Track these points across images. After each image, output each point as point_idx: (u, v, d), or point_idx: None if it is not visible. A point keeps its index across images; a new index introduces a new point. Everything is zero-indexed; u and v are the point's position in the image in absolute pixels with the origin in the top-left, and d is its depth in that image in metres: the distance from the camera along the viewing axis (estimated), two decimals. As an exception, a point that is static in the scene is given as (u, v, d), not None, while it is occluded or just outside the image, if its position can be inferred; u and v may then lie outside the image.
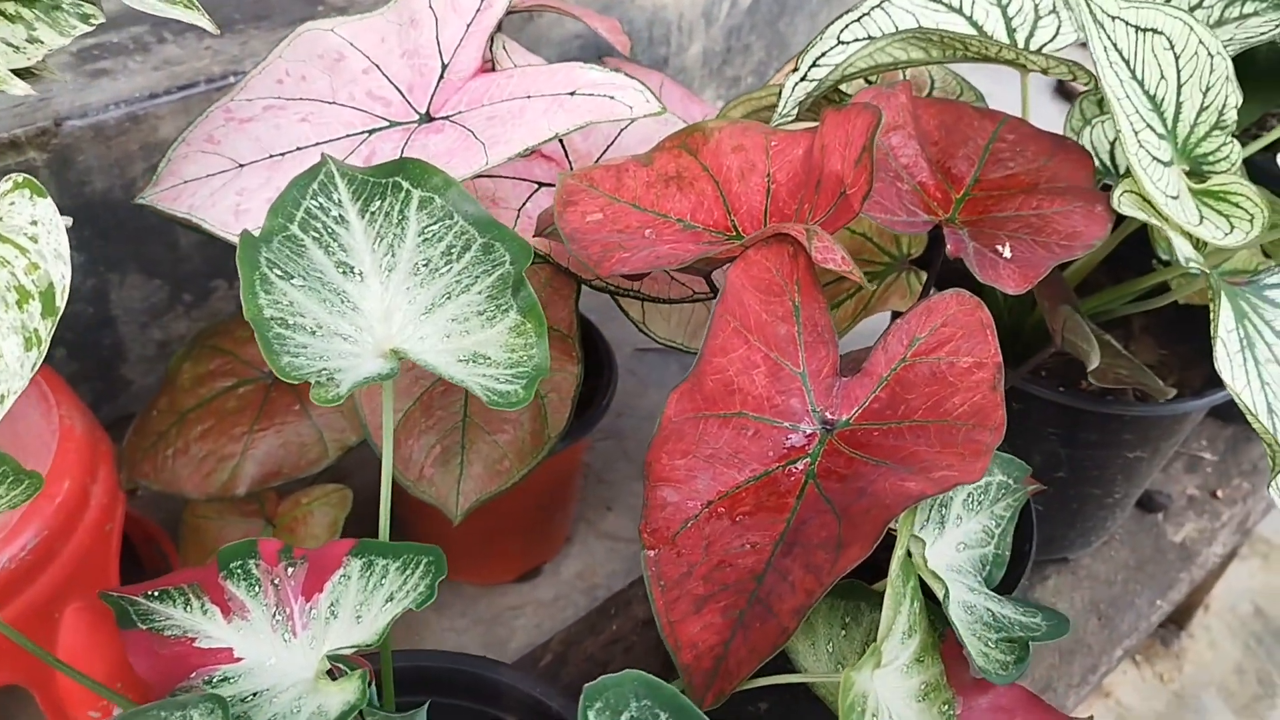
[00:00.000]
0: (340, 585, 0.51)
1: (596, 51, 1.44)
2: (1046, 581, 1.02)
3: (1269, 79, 1.00)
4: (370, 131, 0.84)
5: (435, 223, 0.65)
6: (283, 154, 0.83)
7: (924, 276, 0.83)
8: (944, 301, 0.61)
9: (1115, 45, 0.69)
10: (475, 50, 0.87)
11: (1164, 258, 0.95)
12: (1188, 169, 0.75)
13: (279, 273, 0.58)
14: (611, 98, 0.82)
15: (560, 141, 0.93)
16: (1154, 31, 0.70)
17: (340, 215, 0.65)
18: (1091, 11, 0.68)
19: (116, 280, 1.11)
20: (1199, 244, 0.73)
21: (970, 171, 0.74)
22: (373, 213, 0.65)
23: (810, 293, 0.62)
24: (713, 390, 0.59)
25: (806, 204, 0.70)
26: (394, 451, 0.84)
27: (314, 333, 0.56)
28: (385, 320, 0.60)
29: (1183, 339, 0.97)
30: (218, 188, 0.81)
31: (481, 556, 1.20)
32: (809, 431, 0.61)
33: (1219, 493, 1.11)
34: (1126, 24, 0.69)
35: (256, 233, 0.60)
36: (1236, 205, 0.73)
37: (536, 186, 0.90)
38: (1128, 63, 0.69)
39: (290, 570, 0.53)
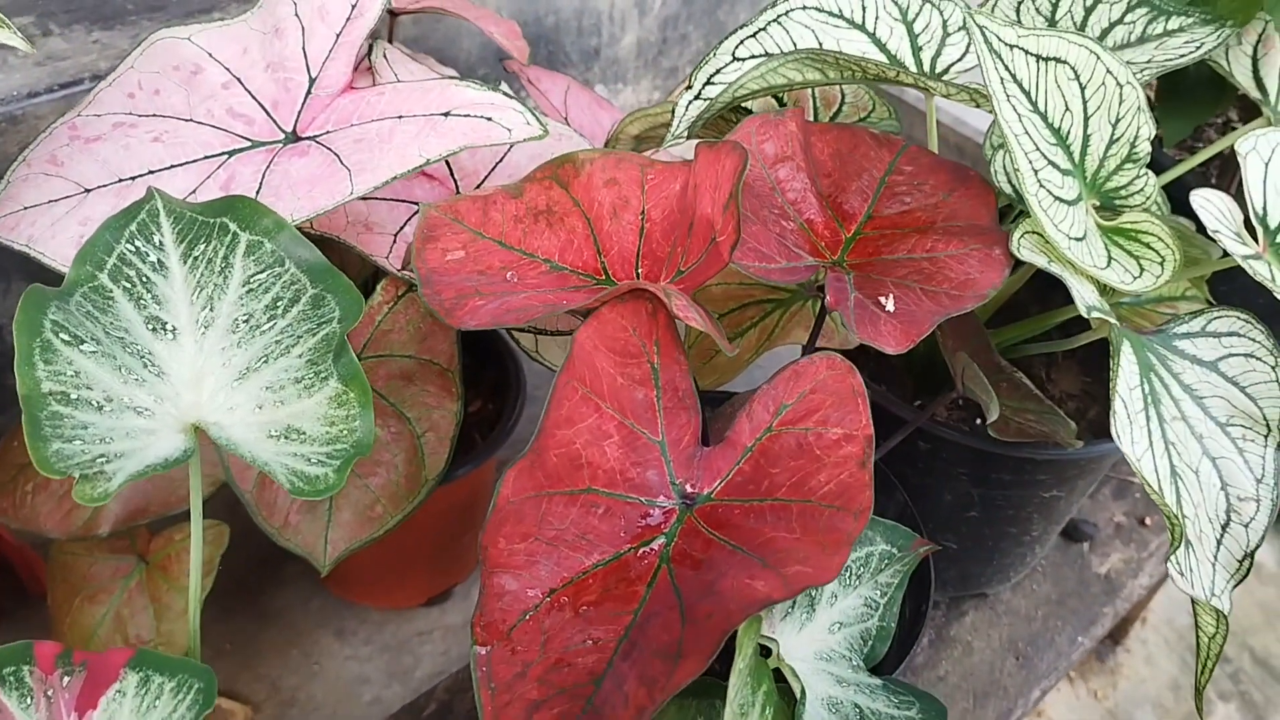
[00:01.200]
0: (115, 703, 0.45)
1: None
2: (964, 618, 0.97)
3: (1201, 91, 0.95)
4: (230, 153, 0.78)
5: (263, 270, 0.59)
6: (133, 178, 0.76)
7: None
8: (813, 366, 0.56)
9: (1014, 76, 0.63)
10: (345, 63, 0.80)
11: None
12: (1098, 203, 0.70)
13: (66, 337, 0.52)
14: (489, 119, 0.76)
15: (445, 159, 0.87)
16: (1057, 61, 0.64)
17: (159, 261, 0.59)
18: (987, 40, 0.62)
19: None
20: (1105, 289, 0.68)
21: (863, 207, 0.69)
22: (196, 258, 0.59)
23: (671, 353, 0.57)
24: (557, 466, 0.54)
25: (680, 247, 0.64)
26: (257, 496, 0.78)
27: (101, 408, 0.50)
28: (194, 386, 0.54)
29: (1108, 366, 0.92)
30: (60, 216, 0.74)
31: (387, 580, 1.14)
32: (667, 507, 0.55)
33: (1147, 520, 1.07)
34: (1027, 53, 0.63)
35: (48, 288, 0.53)
36: (1148, 246, 0.68)
37: (416, 208, 0.84)
38: (1028, 94, 0.64)
39: (66, 680, 0.47)
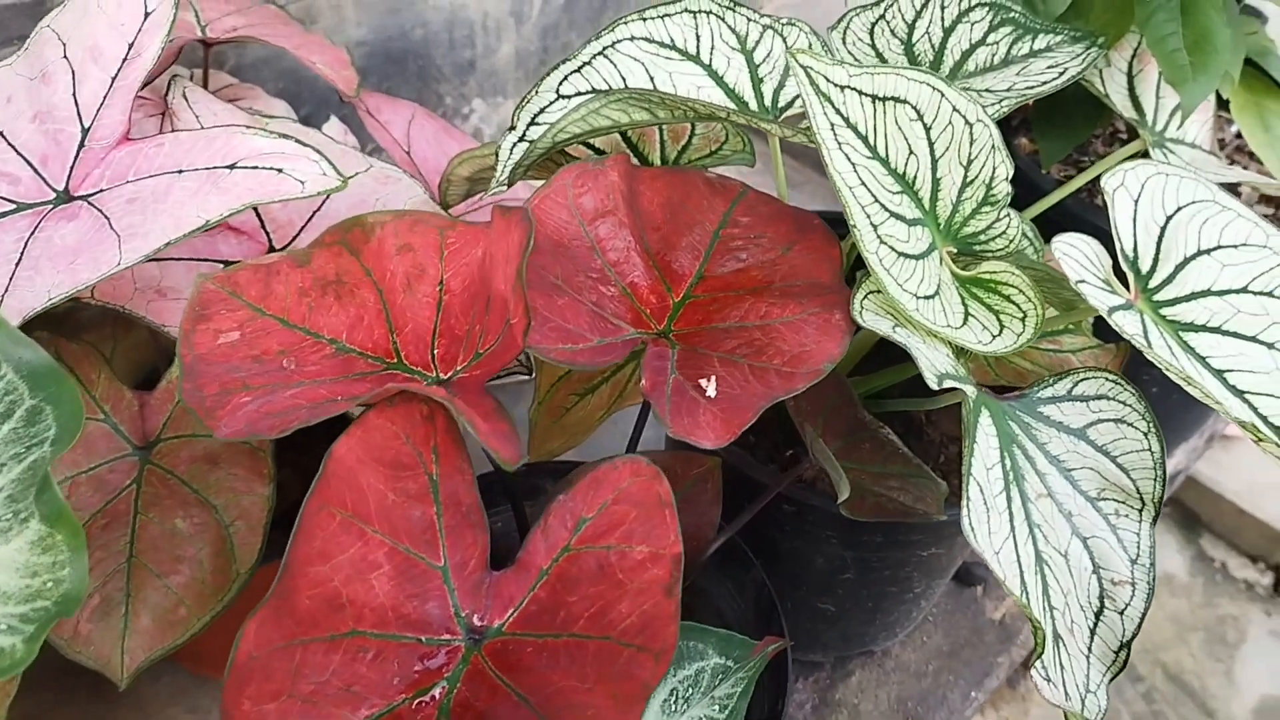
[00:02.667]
0: None
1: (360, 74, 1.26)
2: (849, 679, 0.91)
3: (1079, 107, 0.89)
4: (-10, 218, 0.68)
5: (-27, 379, 0.50)
6: None
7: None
8: (615, 472, 0.48)
9: (847, 120, 0.56)
10: (121, 110, 0.70)
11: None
12: (955, 249, 0.63)
13: None
14: (279, 170, 0.67)
15: (255, 210, 0.77)
16: (897, 100, 0.57)
17: None
18: (813, 81, 0.55)
19: None
20: (960, 352, 0.61)
21: (695, 266, 0.62)
22: (-109, 366, 0.50)
23: (453, 460, 0.49)
24: (311, 609, 0.46)
25: (479, 325, 0.56)
26: (40, 605, 0.69)
27: None
28: None
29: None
30: None
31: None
32: (451, 645, 0.47)
33: (1044, 557, 1.01)
34: (861, 93, 0.56)
35: None
36: (1008, 299, 0.61)
37: (223, 268, 0.75)
38: (865, 138, 0.57)
39: None
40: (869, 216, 0.56)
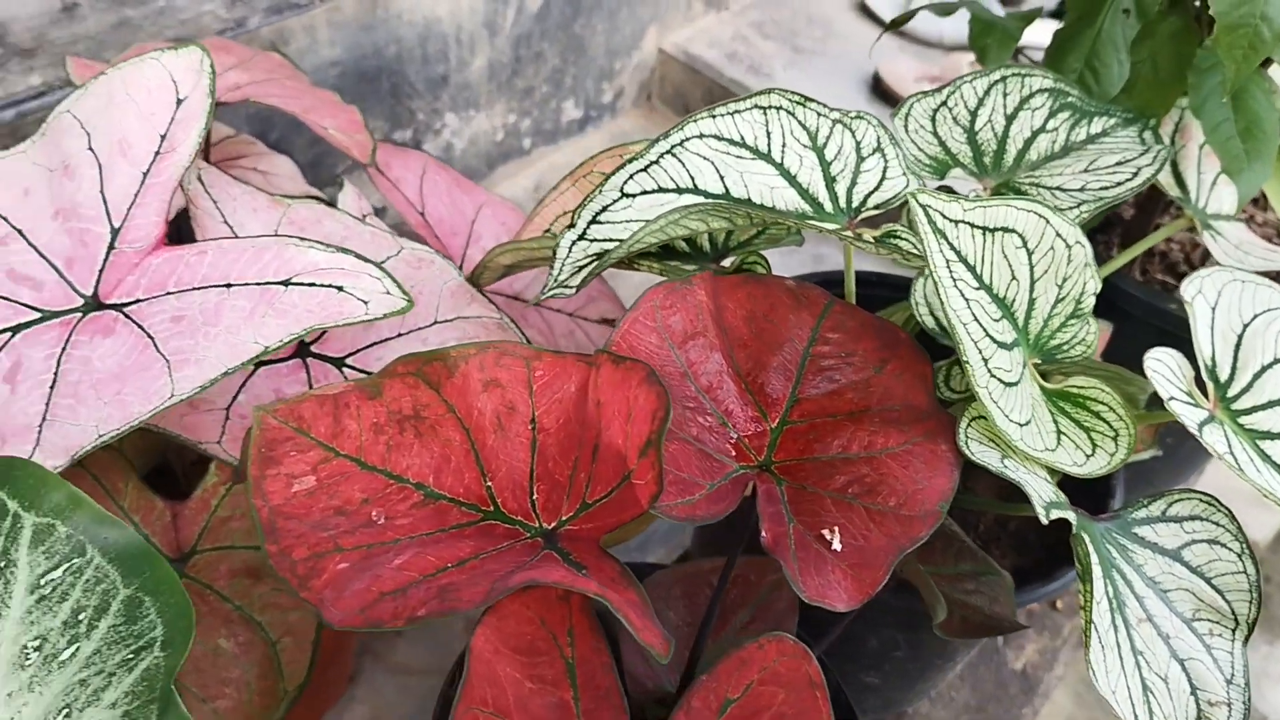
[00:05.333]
0: None
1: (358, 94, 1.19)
2: (885, 741, 0.91)
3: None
4: (13, 329, 0.63)
5: (57, 566, 0.46)
6: (-118, 372, 0.61)
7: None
8: (761, 651, 0.47)
9: (960, 254, 0.54)
10: (156, 211, 0.65)
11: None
12: (1039, 360, 0.63)
13: None
14: (340, 288, 0.63)
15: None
16: (1005, 230, 0.56)
17: (-86, 563, 0.45)
18: (930, 219, 0.53)
19: None
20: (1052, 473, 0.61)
21: (787, 388, 0.60)
22: (-35, 555, 0.45)
23: (589, 641, 0.47)
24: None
25: (583, 471, 0.53)
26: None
27: None
28: (-29, 764, 0.41)
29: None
30: None
31: None
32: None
33: (1058, 603, 1.03)
34: (973, 226, 0.55)
35: None
36: (1098, 416, 0.61)
37: (254, 368, 0.71)
38: (974, 269, 0.55)
39: None
40: (980, 351, 0.54)
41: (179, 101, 0.67)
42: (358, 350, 0.71)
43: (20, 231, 0.65)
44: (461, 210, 0.93)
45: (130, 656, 0.44)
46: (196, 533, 0.70)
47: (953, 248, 0.54)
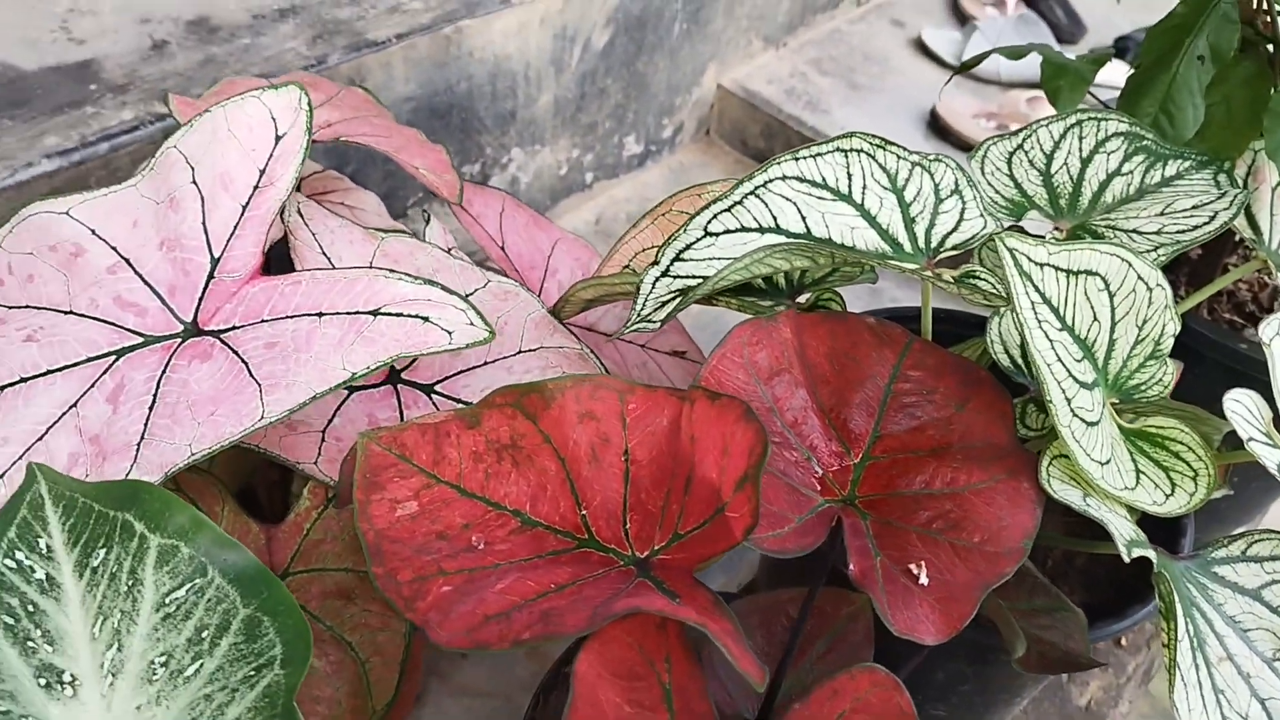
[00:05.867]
0: None
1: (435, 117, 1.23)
2: (950, 776, 0.92)
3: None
4: (118, 353, 0.66)
5: (181, 586, 0.48)
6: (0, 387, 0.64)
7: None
8: (853, 681, 0.48)
9: (1044, 296, 0.56)
10: (254, 242, 0.68)
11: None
12: (1116, 400, 0.64)
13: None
14: (425, 319, 0.65)
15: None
16: (1088, 273, 0.57)
17: (49, 578, 0.48)
18: (1017, 262, 0.54)
19: None
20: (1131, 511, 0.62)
21: (869, 424, 0.61)
22: (95, 571, 0.48)
23: (685, 668, 0.48)
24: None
25: (675, 502, 0.55)
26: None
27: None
28: (106, 772, 0.44)
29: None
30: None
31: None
32: None
33: (1123, 640, 1.03)
34: (1057, 269, 0.56)
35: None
36: (1177, 456, 0.62)
37: (348, 393, 0.73)
38: (1057, 311, 0.57)
39: None
40: (1064, 391, 0.56)
41: (278, 138, 0.70)
42: (446, 377, 0.73)
43: (128, 260, 0.69)
44: (538, 246, 0.96)
45: (252, 674, 0.46)
46: (290, 555, 0.73)
47: (1038, 290, 0.55)
